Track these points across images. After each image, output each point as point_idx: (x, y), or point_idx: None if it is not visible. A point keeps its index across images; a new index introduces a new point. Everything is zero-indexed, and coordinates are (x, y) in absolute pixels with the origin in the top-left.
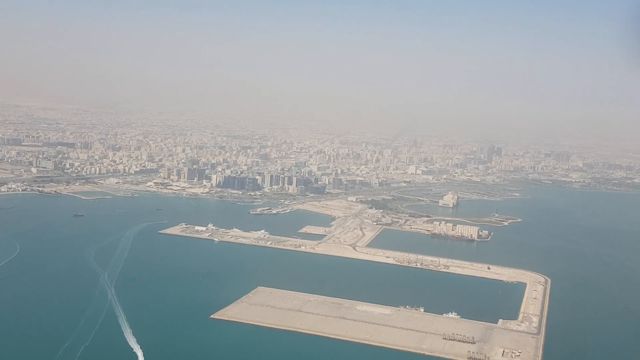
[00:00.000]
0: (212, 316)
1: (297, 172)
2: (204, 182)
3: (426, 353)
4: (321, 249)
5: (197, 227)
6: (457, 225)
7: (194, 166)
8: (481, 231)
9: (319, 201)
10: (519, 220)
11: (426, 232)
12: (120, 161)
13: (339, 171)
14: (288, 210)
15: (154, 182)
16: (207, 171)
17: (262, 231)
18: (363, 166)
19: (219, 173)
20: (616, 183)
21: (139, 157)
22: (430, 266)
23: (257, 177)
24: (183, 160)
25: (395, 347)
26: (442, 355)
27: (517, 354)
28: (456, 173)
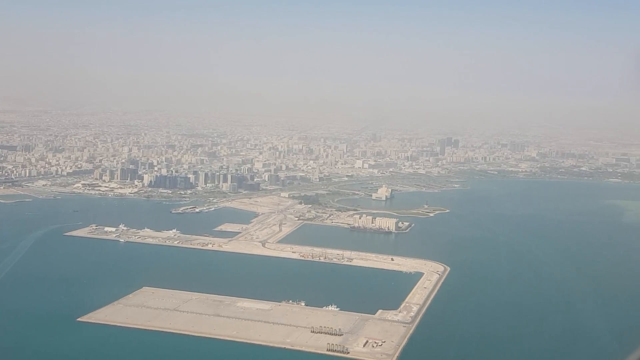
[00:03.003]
0: (79, 319)
1: (236, 170)
2: (136, 182)
3: (287, 347)
4: (229, 247)
5: (106, 228)
6: (376, 218)
7: (131, 166)
8: (401, 223)
9: (250, 198)
10: (447, 211)
11: (346, 226)
12: (57, 163)
13: (284, 167)
14: (213, 209)
15: (82, 184)
16: (140, 171)
17: (173, 230)
18: (312, 161)
19: (155, 172)
20: (563, 172)
21: (79, 158)
22: (334, 259)
23: (191, 175)
24: (123, 161)
25: (259, 343)
26: (303, 349)
27: (380, 343)
28: (404, 166)
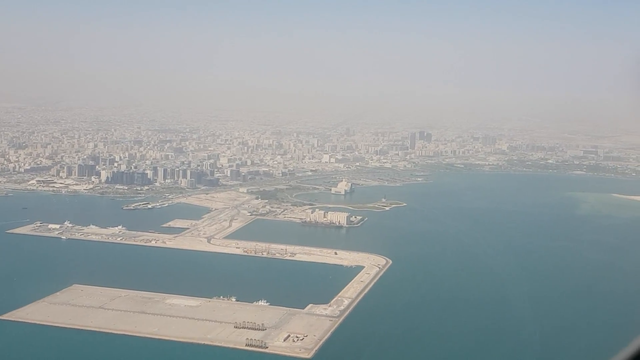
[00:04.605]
0: None
1: (198, 165)
2: (93, 178)
3: (207, 343)
4: (173, 243)
5: (50, 225)
6: (328, 213)
7: (91, 162)
8: (354, 217)
9: (207, 194)
10: (404, 204)
11: (298, 221)
12: (16, 159)
13: (249, 162)
14: (166, 204)
15: (36, 180)
16: (99, 167)
17: (119, 227)
18: (279, 156)
19: (114, 168)
20: (529, 165)
21: (41, 155)
22: (277, 254)
23: (149, 171)
24: (84, 157)
25: (178, 339)
26: (222, 344)
27: (302, 338)
28: (372, 160)
